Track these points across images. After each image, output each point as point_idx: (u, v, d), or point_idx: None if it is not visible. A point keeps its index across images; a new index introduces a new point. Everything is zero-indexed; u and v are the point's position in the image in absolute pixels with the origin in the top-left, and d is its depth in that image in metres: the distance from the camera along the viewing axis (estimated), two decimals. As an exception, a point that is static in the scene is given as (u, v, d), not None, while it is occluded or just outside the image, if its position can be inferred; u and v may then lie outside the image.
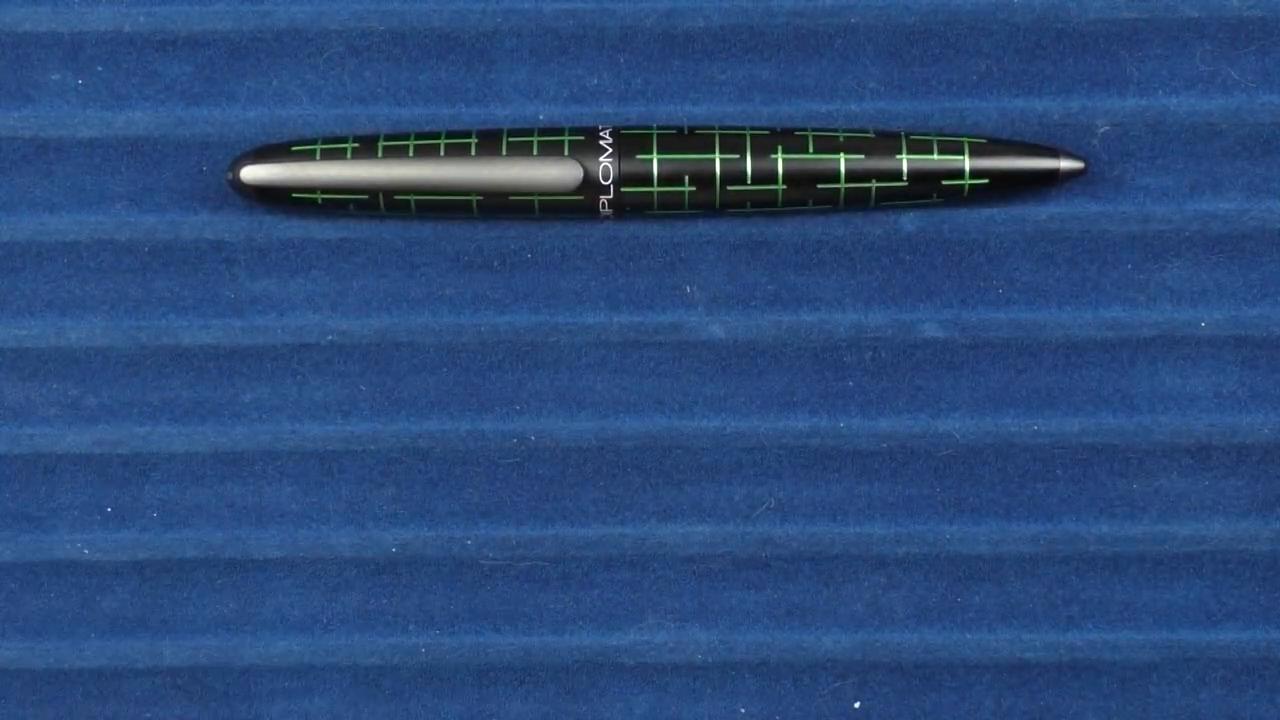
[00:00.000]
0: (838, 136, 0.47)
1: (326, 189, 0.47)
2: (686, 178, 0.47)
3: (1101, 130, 0.48)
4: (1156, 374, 0.48)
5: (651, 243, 0.48)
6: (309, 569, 0.48)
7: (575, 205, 0.47)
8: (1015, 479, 0.48)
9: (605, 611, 0.48)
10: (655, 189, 0.47)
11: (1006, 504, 0.48)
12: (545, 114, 0.49)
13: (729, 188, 0.47)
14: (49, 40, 0.49)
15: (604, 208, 0.48)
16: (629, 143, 0.47)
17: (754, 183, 0.47)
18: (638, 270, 0.49)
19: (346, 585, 0.48)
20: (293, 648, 0.48)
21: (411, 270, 0.49)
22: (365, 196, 0.47)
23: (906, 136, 0.47)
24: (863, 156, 0.47)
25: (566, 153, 0.47)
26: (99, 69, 0.49)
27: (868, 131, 0.48)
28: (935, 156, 0.47)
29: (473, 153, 0.47)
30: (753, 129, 0.48)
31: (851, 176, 0.47)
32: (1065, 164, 0.47)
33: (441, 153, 0.47)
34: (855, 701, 0.48)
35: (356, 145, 0.47)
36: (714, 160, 0.47)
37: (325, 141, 0.48)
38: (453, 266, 0.49)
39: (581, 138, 0.47)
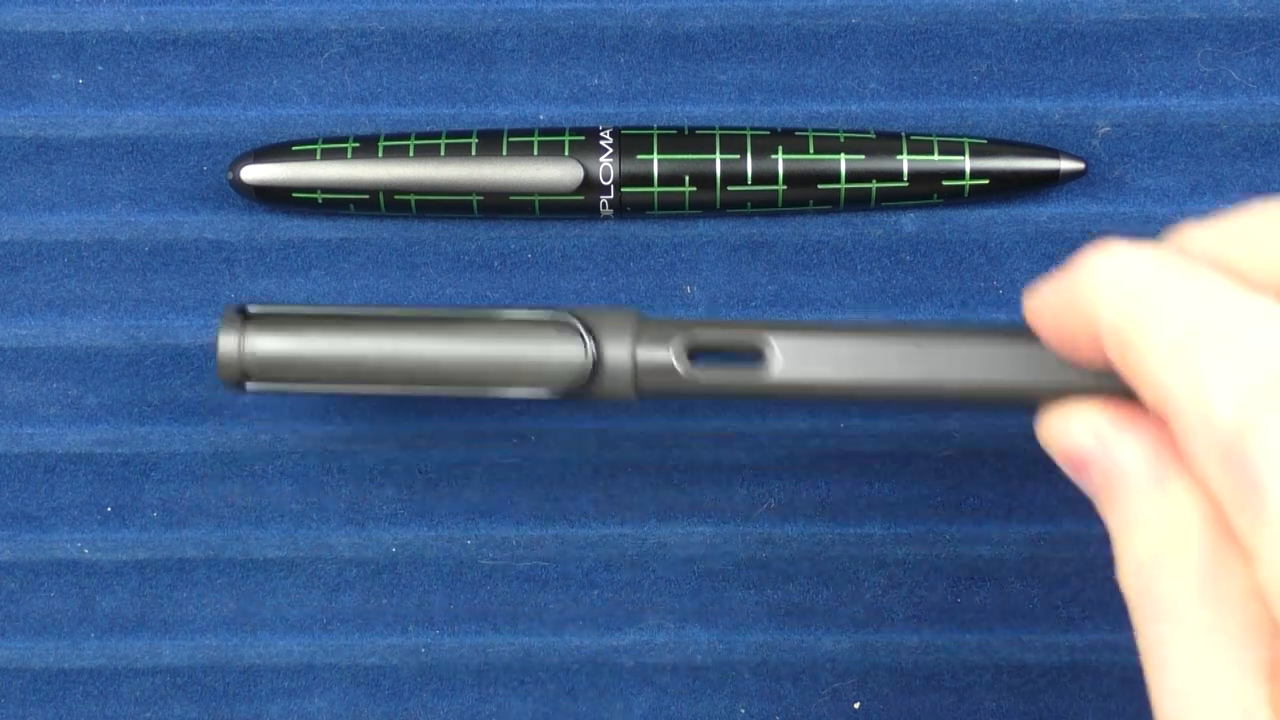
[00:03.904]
0: (838, 137, 0.47)
1: (326, 189, 0.47)
2: (687, 178, 0.47)
3: (1102, 131, 0.48)
4: (1156, 374, 0.48)
5: (651, 243, 0.48)
6: (309, 569, 0.48)
7: (575, 205, 0.47)
8: (1015, 480, 0.48)
9: (605, 611, 0.48)
10: (655, 189, 0.47)
11: (1006, 505, 0.48)
12: (546, 114, 0.49)
13: (729, 188, 0.47)
14: (49, 40, 0.49)
15: (604, 208, 0.48)
16: (629, 143, 0.47)
17: (754, 183, 0.47)
18: (638, 270, 0.49)
19: (346, 585, 0.48)
20: (293, 648, 0.48)
21: (411, 270, 0.49)
22: (365, 196, 0.47)
23: (907, 137, 0.47)
24: (863, 157, 0.47)
25: (567, 153, 0.47)
26: (99, 69, 0.49)
27: (868, 132, 0.48)
28: (936, 157, 0.47)
29: (473, 153, 0.47)
30: (753, 129, 0.48)
31: (852, 177, 0.47)
32: (1065, 164, 0.47)
33: (442, 153, 0.47)
34: (855, 702, 0.48)
35: (357, 145, 0.47)
36: (714, 160, 0.47)
37: (325, 141, 0.48)
38: (453, 266, 0.49)
39: (582, 138, 0.47)
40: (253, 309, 0.43)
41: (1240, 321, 0.33)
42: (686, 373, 0.42)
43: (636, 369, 0.42)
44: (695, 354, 0.42)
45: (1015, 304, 0.48)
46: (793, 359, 0.41)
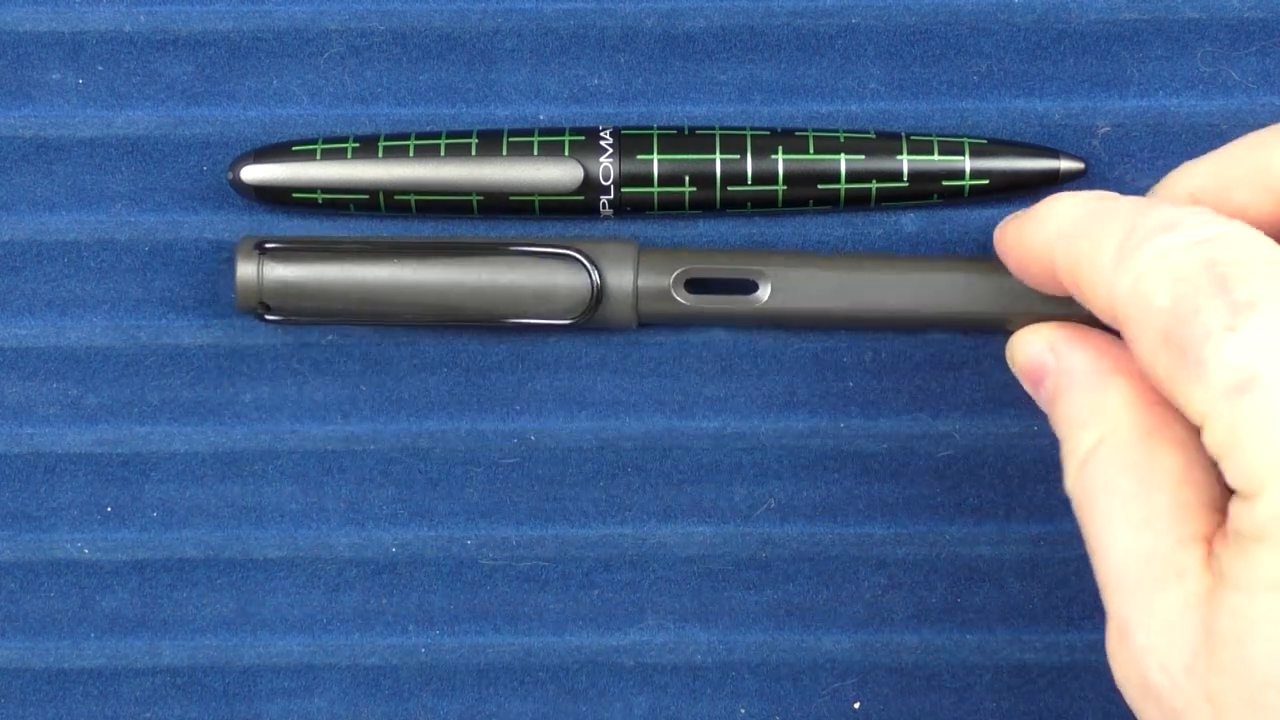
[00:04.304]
0: (838, 137, 0.47)
1: (326, 189, 0.47)
2: (687, 178, 0.47)
3: (1102, 131, 0.48)
4: (1156, 374, 0.48)
5: (652, 243, 0.48)
6: (309, 569, 0.48)
7: (575, 205, 0.47)
8: (1015, 479, 0.48)
9: (605, 611, 0.48)
10: (655, 189, 0.47)
11: (1006, 505, 0.48)
12: (546, 114, 0.49)
13: (729, 188, 0.47)
14: (49, 40, 0.49)
15: (604, 208, 0.48)
16: (629, 143, 0.47)
17: (754, 183, 0.47)
18: (638, 270, 0.49)
19: (346, 585, 0.48)
20: (293, 648, 0.48)
21: (411, 270, 0.49)
22: (365, 196, 0.47)
23: (907, 137, 0.47)
24: (863, 157, 0.47)
25: (567, 153, 0.47)
26: (99, 69, 0.49)
27: (868, 132, 0.48)
28: (936, 157, 0.47)
29: (473, 153, 0.47)
30: (753, 129, 0.48)
31: (852, 177, 0.47)
32: (1065, 165, 0.47)
33: (442, 153, 0.47)
34: (855, 701, 0.48)
35: (357, 145, 0.47)
36: (714, 160, 0.47)
37: (325, 141, 0.48)
38: (453, 266, 0.49)
39: (582, 138, 0.47)
40: (269, 243, 0.46)
41: (1167, 224, 0.38)
42: (684, 300, 0.46)
43: (638, 297, 0.46)
44: (691, 283, 0.46)
45: (1015, 304, 0.48)
46: (782, 287, 0.46)
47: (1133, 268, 0.38)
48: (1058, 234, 0.41)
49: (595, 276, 0.46)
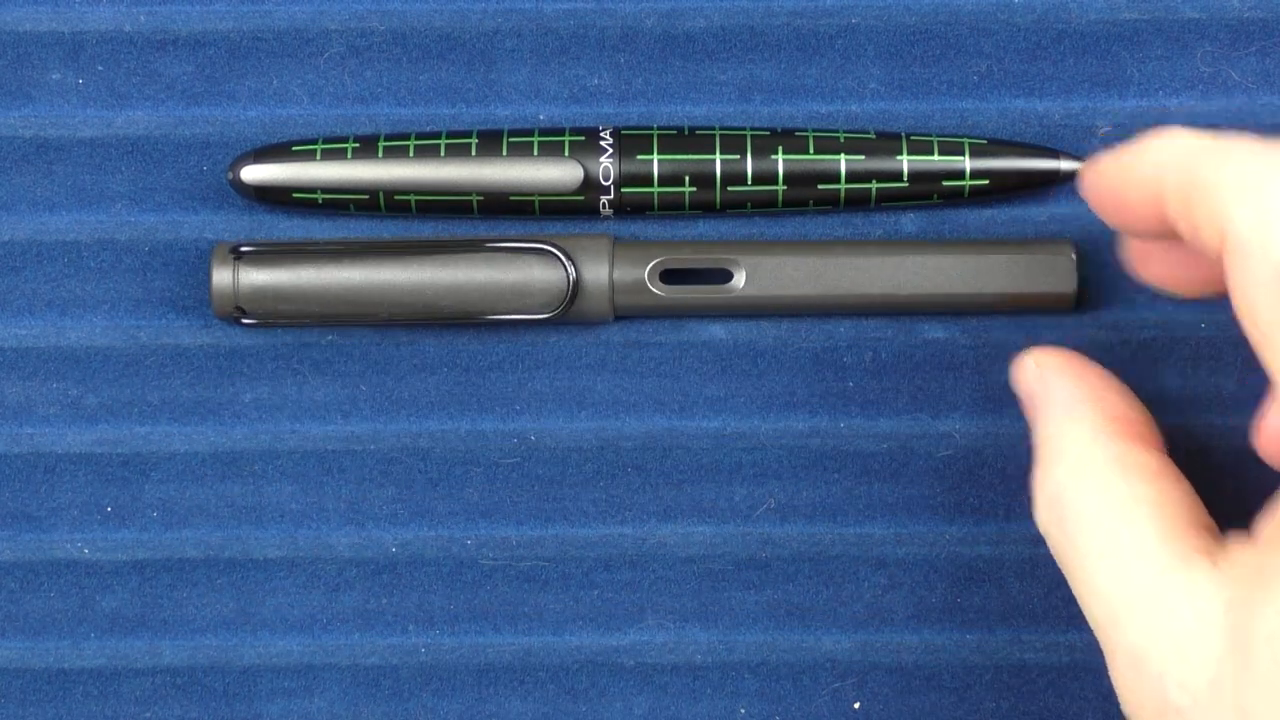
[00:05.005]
0: (838, 137, 0.47)
1: (326, 189, 0.47)
2: (687, 178, 0.47)
3: (1102, 131, 0.48)
4: (1156, 375, 0.48)
5: (652, 243, 0.48)
6: (309, 569, 0.48)
7: (575, 205, 0.47)
8: (1015, 479, 0.48)
9: (605, 611, 0.48)
10: (656, 189, 0.47)
11: (1006, 505, 0.48)
12: (546, 114, 0.49)
13: (729, 188, 0.47)
14: (49, 40, 0.49)
15: (604, 208, 0.48)
16: (629, 143, 0.47)
17: (754, 183, 0.47)
18: (638, 270, 0.49)
19: (346, 585, 0.48)
20: (293, 648, 0.48)
21: (411, 270, 0.49)
22: (365, 196, 0.47)
23: (907, 137, 0.47)
24: (863, 157, 0.47)
25: (567, 153, 0.47)
26: (99, 69, 0.49)
27: (868, 132, 0.48)
28: (936, 157, 0.47)
29: (473, 153, 0.47)
30: (753, 129, 0.48)
31: (852, 177, 0.47)
32: (1065, 165, 0.47)
33: (442, 153, 0.47)
34: (855, 701, 0.48)
35: (357, 145, 0.47)
36: (714, 161, 0.47)
37: (325, 141, 0.48)
38: (453, 266, 0.49)
39: (582, 138, 0.47)
40: (244, 247, 0.47)
41: None
42: (660, 291, 0.47)
43: (614, 290, 0.47)
44: (667, 274, 0.46)
45: (1015, 304, 0.48)
46: (757, 276, 0.47)
47: (1259, 200, 0.36)
48: (1181, 152, 0.38)
49: (570, 270, 0.46)
